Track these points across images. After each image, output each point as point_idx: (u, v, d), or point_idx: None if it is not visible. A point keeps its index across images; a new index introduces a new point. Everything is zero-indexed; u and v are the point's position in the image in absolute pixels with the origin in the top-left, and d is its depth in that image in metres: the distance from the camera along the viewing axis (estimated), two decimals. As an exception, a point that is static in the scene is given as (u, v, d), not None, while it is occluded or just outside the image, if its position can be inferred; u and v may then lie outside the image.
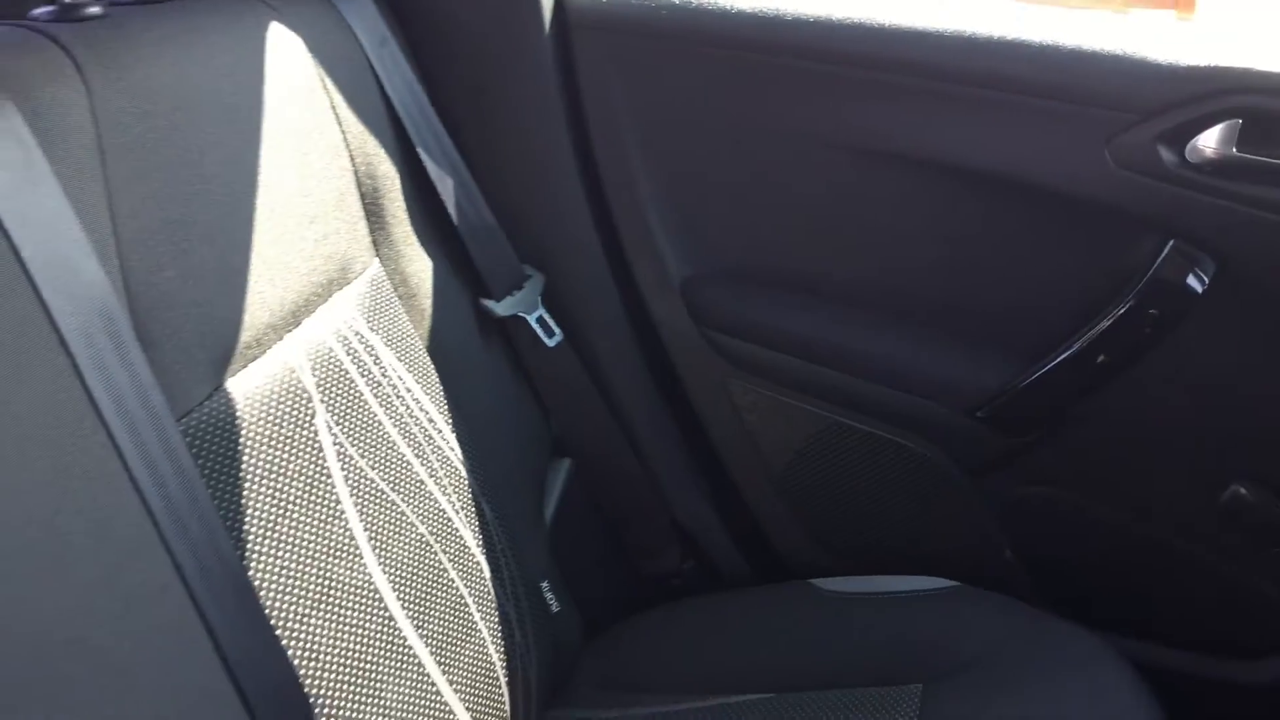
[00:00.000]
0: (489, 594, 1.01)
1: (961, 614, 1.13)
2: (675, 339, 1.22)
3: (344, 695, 0.82)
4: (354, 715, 0.82)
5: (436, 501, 0.99)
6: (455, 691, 0.93)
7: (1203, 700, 1.18)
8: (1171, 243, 1.06)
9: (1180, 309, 1.08)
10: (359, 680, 0.84)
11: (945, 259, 1.14)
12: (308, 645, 0.80)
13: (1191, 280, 1.07)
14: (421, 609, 0.92)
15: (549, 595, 1.12)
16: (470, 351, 1.11)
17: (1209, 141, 1.04)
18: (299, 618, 0.80)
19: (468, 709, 0.94)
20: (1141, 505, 1.19)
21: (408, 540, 0.93)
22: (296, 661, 0.78)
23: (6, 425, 0.62)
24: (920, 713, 1.03)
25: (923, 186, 1.12)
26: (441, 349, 1.07)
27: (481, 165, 1.14)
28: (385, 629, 0.88)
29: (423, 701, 0.89)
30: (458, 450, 1.04)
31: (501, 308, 1.13)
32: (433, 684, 0.91)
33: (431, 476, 0.99)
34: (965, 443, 1.18)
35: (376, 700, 0.85)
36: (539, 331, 1.15)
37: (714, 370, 1.22)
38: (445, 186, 1.09)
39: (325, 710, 0.79)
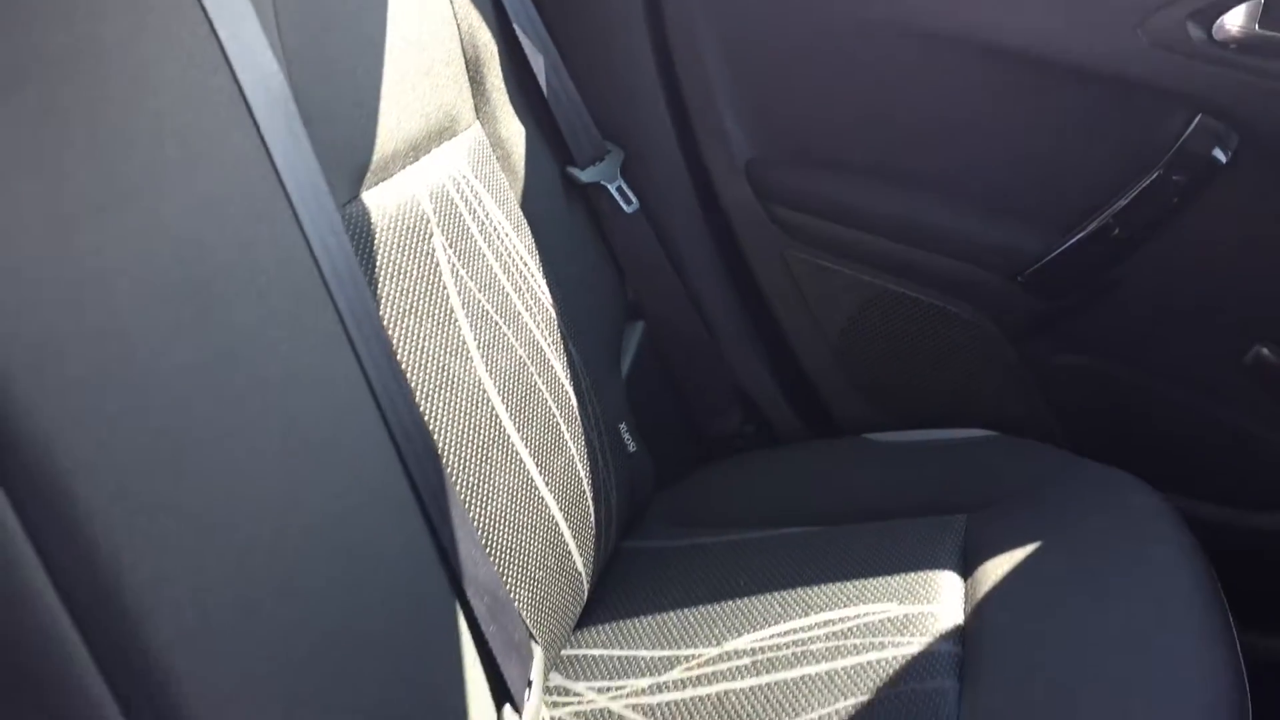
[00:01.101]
0: (576, 419, 1.13)
1: (1005, 456, 1.24)
2: (739, 213, 1.33)
3: (465, 468, 0.94)
4: (473, 486, 0.94)
5: (531, 332, 1.10)
6: (550, 493, 1.05)
7: (1229, 549, 1.28)
8: (1199, 117, 1.17)
9: (1205, 179, 1.18)
10: (474, 462, 0.95)
11: (990, 136, 1.24)
12: (432, 423, 0.92)
13: (1217, 152, 1.17)
14: (521, 416, 1.04)
15: (626, 436, 1.24)
16: (557, 212, 1.23)
17: (1234, 20, 1.14)
18: (424, 397, 0.92)
19: (560, 510, 1.06)
20: (1170, 370, 1.29)
21: (508, 356, 1.05)
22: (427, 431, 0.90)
23: (198, 202, 0.73)
24: (965, 540, 1.14)
25: (970, 69, 1.22)
26: (532, 207, 1.18)
27: (565, 45, 1.25)
28: (493, 425, 1.00)
29: (524, 493, 1.01)
30: (547, 294, 1.15)
31: (585, 175, 1.25)
32: (532, 481, 1.03)
33: (526, 310, 1.11)
34: (1008, 307, 1.28)
35: (488, 482, 0.97)
36: (618, 199, 1.27)
37: (774, 243, 1.33)
38: (537, 61, 1.21)
39: (453, 473, 0.91)
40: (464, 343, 1.00)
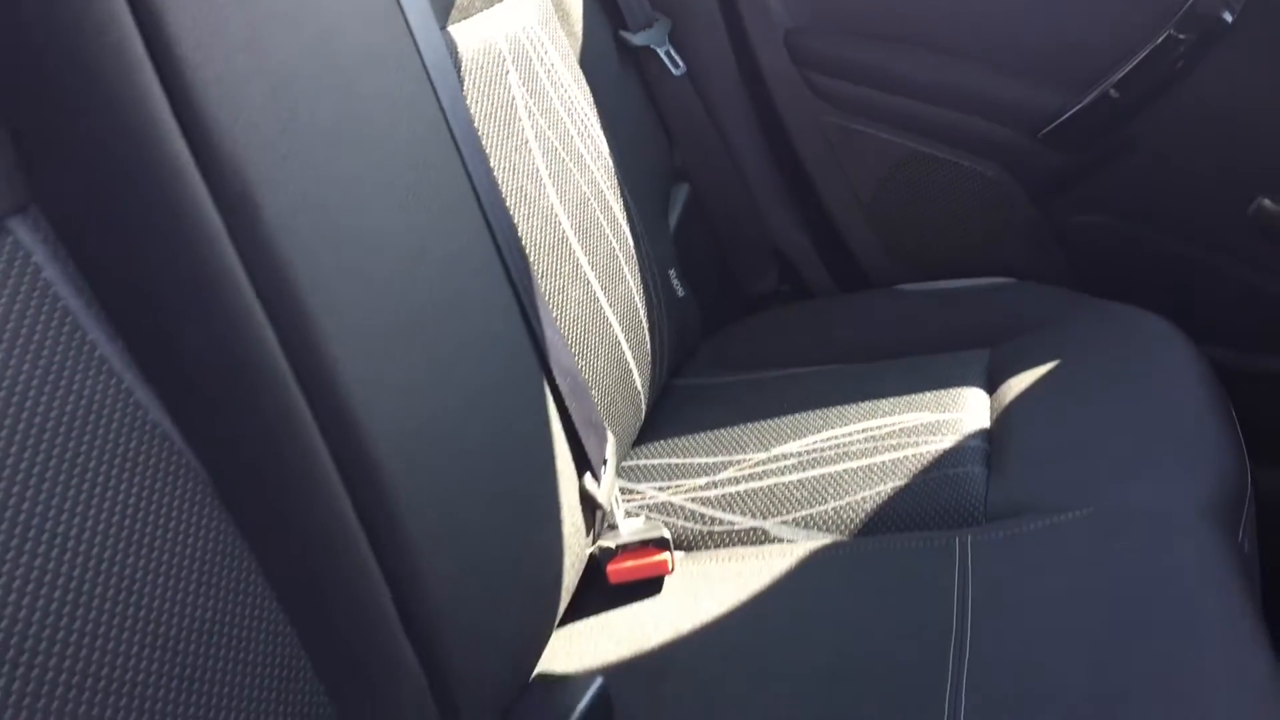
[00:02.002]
0: (633, 256, 1.23)
1: (1027, 299, 1.34)
2: (777, 81, 1.43)
3: (543, 278, 1.04)
4: (551, 294, 1.04)
5: (592, 173, 1.20)
6: (614, 315, 1.15)
7: (1236, 389, 1.38)
8: (1209, -21, 1.26)
9: (1211, 40, 1.27)
10: (550, 275, 1.06)
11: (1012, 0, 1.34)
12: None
13: (1225, 14, 1.27)
14: (588, 243, 1.14)
15: (675, 282, 1.34)
16: (611, 73, 1.33)
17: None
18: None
19: (622, 331, 1.16)
20: (1179, 224, 1.38)
21: (574, 190, 1.15)
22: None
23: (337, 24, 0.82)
24: (990, 365, 1.24)
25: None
26: (589, 66, 1.28)
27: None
28: (564, 246, 1.10)
29: (592, 311, 1.11)
30: (605, 145, 1.25)
31: (637, 39, 1.34)
32: (598, 301, 1.13)
33: (587, 154, 1.21)
34: (1028, 164, 1.38)
35: (562, 294, 1.07)
36: (667, 63, 1.36)
37: (810, 108, 1.43)
38: (592, -69, 1.30)
39: (542, 278, 1.01)
40: (538, 170, 1.10)
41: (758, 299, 1.50)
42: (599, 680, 0.83)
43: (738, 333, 1.43)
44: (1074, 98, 1.33)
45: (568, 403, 0.95)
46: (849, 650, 0.86)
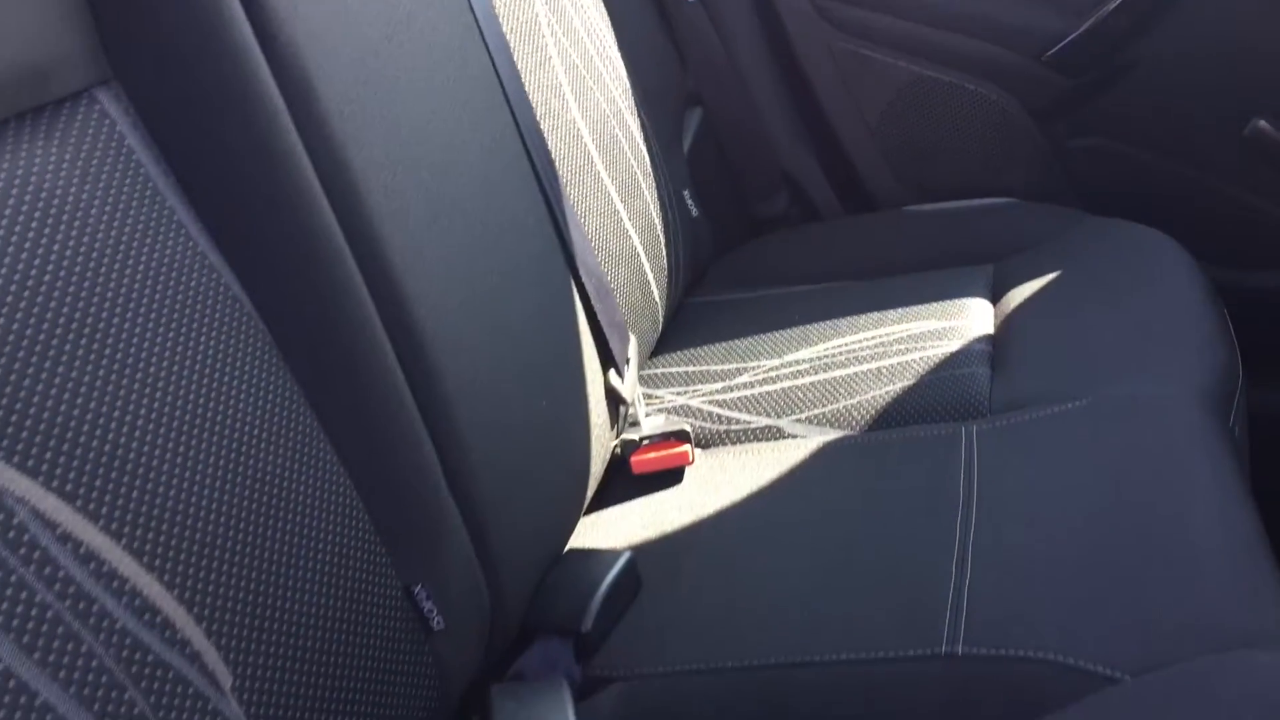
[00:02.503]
0: (649, 173, 1.27)
1: (1030, 217, 1.39)
2: (787, 7, 1.47)
3: (567, 186, 1.09)
4: (574, 202, 1.09)
5: (610, 91, 1.25)
6: (632, 226, 1.20)
7: (1232, 304, 1.42)
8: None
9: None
10: (573, 184, 1.10)
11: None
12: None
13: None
14: (607, 157, 1.19)
15: (689, 202, 1.38)
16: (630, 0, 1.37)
17: None
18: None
19: (640, 243, 1.21)
20: (1177, 146, 1.43)
21: (595, 105, 1.19)
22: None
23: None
24: (993, 278, 1.29)
25: None
26: (607, -7, 1.32)
27: None
28: (586, 158, 1.14)
29: (612, 222, 1.16)
30: (622, 65, 1.29)
31: (652, -35, 1.39)
32: (618, 213, 1.18)
33: (606, 72, 1.25)
34: (1032, 86, 1.42)
35: (584, 203, 1.11)
36: (681, -12, 1.40)
37: (819, 33, 1.47)
38: None
39: (566, 186, 1.06)
40: (561, 85, 1.14)
41: (767, 222, 1.55)
42: (628, 553, 0.88)
43: (748, 253, 1.48)
44: (1076, 21, 1.37)
45: (593, 301, 1.00)
46: (861, 527, 0.91)
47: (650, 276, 1.23)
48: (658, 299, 1.24)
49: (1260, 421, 1.18)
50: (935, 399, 1.08)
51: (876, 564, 0.87)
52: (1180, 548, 0.78)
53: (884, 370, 1.13)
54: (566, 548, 0.93)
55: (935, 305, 1.23)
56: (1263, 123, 1.39)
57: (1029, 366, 1.09)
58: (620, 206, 1.19)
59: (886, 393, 1.09)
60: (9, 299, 0.52)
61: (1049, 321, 1.16)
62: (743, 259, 1.47)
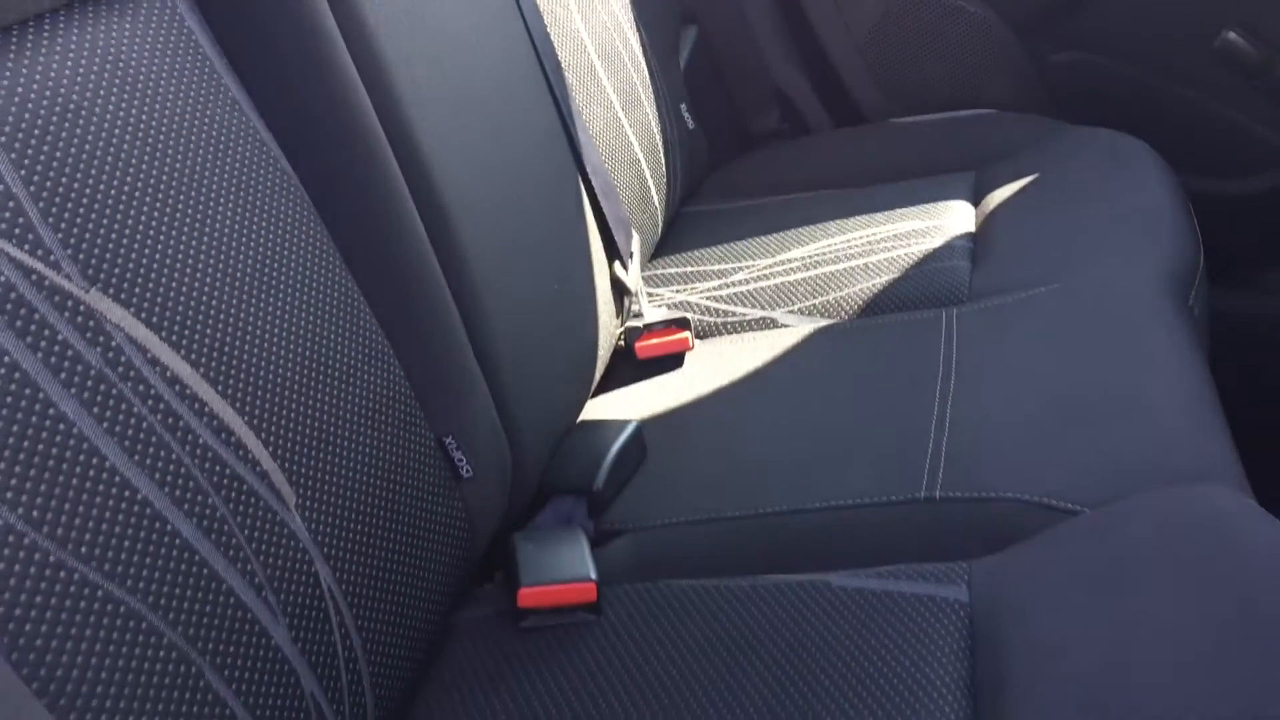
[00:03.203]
0: (649, 84, 1.34)
1: (1010, 126, 1.46)
2: (780, -72, 1.53)
3: (572, 88, 1.15)
4: (579, 104, 1.16)
5: (611, 5, 1.31)
6: (633, 134, 1.27)
7: (1208, 209, 1.49)
8: None
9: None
10: (578, 88, 1.17)
11: None
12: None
13: None
14: (609, 66, 1.25)
15: (686, 115, 1.45)
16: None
17: None
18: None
19: (641, 150, 1.28)
20: (1151, 58, 1.49)
21: (597, 15, 1.26)
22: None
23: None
24: (975, 182, 1.36)
25: None
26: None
27: None
28: (589, 68, 1.21)
29: (614, 129, 1.23)
30: (621, -18, 1.36)
31: (648, -115, 1.44)
32: (620, 120, 1.24)
33: (607, -12, 1.31)
34: (1013, 1, 1.49)
35: (587, 109, 1.18)
36: (676, -92, 1.46)
37: (811, -48, 1.53)
38: None
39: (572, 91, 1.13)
40: (572, 19, 1.20)
41: (760, 137, 1.62)
42: (635, 422, 0.96)
43: (742, 166, 1.55)
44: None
45: (600, 198, 1.07)
46: (849, 397, 0.99)
47: (650, 182, 1.30)
48: (657, 204, 1.31)
49: (1224, 318, 1.26)
50: (918, 289, 1.15)
51: (863, 427, 0.95)
52: (1138, 401, 0.86)
53: (871, 265, 1.20)
54: (578, 420, 1.01)
55: (920, 208, 1.30)
56: (1232, 34, 1.45)
57: (1006, 258, 1.17)
58: (622, 115, 1.25)
59: (873, 285, 1.17)
60: (98, 156, 0.59)
61: (1026, 219, 1.23)
62: (736, 171, 1.53)
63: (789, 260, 1.25)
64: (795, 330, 1.13)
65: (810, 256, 1.25)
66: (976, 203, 1.32)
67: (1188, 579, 0.68)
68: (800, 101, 1.60)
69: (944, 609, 0.74)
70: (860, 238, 1.26)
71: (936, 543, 0.82)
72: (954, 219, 1.27)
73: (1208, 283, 1.18)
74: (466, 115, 0.87)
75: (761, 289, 1.21)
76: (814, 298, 1.18)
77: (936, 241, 1.22)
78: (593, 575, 0.79)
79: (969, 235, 1.23)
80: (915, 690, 0.68)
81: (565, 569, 0.80)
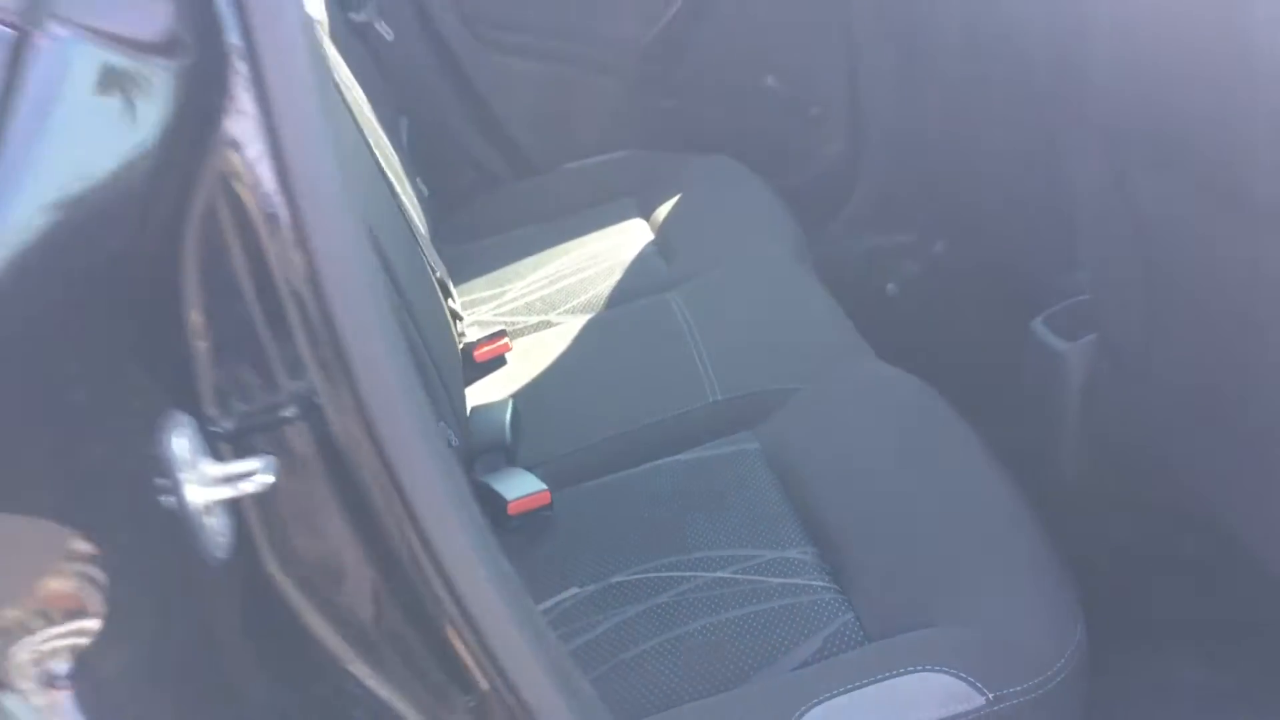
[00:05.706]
0: (400, 169, 1.79)
1: (647, 159, 2.05)
2: (455, 37, 2.02)
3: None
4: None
5: (364, 110, 1.74)
6: (409, 204, 1.72)
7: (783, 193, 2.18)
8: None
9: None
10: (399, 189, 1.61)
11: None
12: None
13: None
14: (388, 165, 1.69)
15: (421, 185, 1.91)
16: (351, 45, 1.85)
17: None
18: None
19: (414, 215, 1.73)
20: (727, 102, 2.15)
21: (372, 124, 1.69)
22: None
23: None
24: (640, 210, 1.94)
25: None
26: (339, 41, 1.80)
27: None
28: (381, 171, 1.65)
29: (402, 208, 1.68)
30: (361, 93, 1.79)
31: (359, 16, 1.88)
32: (400, 199, 1.69)
33: (362, 103, 1.74)
34: (628, 71, 2.08)
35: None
36: (381, 31, 1.91)
37: (482, 53, 2.04)
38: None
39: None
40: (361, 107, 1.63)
41: (461, 193, 2.11)
42: (510, 401, 1.45)
43: (466, 213, 2.03)
44: (651, 26, 2.05)
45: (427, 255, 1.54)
46: (632, 359, 1.54)
47: (423, 233, 1.76)
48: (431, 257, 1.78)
49: (828, 264, 1.93)
50: (638, 282, 1.71)
51: (645, 365, 1.50)
52: (809, 311, 1.49)
53: (600, 272, 1.75)
54: (469, 408, 1.47)
55: (613, 227, 1.86)
56: (770, 79, 2.14)
57: (682, 250, 1.76)
58: (402, 196, 1.70)
59: (609, 285, 1.71)
60: None
61: (687, 224, 1.83)
62: (461, 218, 2.02)
63: (540, 278, 1.76)
64: (570, 325, 1.65)
65: (555, 273, 1.77)
66: (646, 215, 1.89)
67: (872, 416, 1.30)
68: (488, 162, 2.11)
69: (751, 456, 1.30)
70: (583, 254, 1.80)
71: (724, 431, 1.38)
72: (638, 233, 1.83)
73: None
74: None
75: (531, 302, 1.72)
76: (571, 301, 1.70)
77: (635, 250, 1.78)
78: (545, 487, 1.28)
79: (651, 241, 1.81)
80: (748, 488, 1.24)
81: (526, 488, 1.28)
